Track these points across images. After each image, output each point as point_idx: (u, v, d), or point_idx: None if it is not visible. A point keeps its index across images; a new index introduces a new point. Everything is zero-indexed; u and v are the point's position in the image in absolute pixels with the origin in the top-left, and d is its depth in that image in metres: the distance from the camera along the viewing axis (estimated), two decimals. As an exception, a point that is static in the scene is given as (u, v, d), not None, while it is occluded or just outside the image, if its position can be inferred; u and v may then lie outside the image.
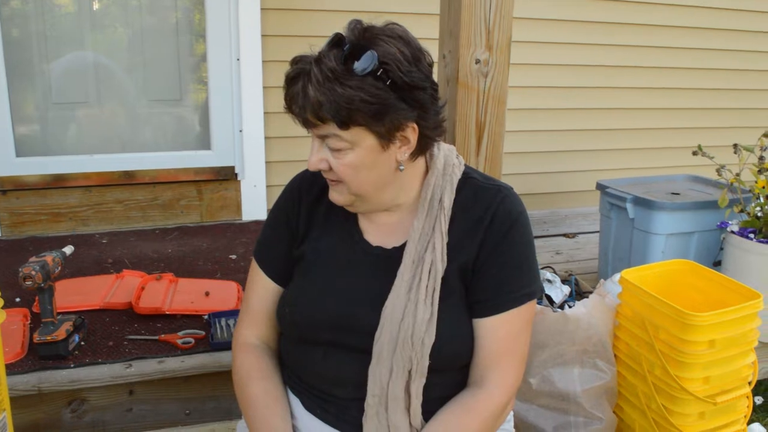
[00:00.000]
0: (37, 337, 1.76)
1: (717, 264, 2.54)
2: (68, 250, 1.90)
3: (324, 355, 1.19)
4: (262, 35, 2.99)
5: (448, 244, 1.17)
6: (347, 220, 1.25)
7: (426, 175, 1.23)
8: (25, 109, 2.92)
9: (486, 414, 1.15)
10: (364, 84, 1.04)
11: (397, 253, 1.20)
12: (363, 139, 1.09)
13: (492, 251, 1.17)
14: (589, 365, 1.81)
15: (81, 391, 1.73)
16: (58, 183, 2.91)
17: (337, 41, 1.08)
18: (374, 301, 1.16)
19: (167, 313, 2.05)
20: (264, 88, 3.04)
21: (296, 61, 1.08)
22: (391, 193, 1.20)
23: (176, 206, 3.09)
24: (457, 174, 1.23)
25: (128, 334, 1.94)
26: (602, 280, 2.04)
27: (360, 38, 1.08)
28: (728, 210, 2.45)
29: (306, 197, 1.28)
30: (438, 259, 1.15)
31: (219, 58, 3.04)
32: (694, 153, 2.53)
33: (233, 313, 2.04)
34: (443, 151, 1.25)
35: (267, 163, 3.13)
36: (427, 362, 1.12)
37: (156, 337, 1.91)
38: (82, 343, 1.87)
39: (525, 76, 3.48)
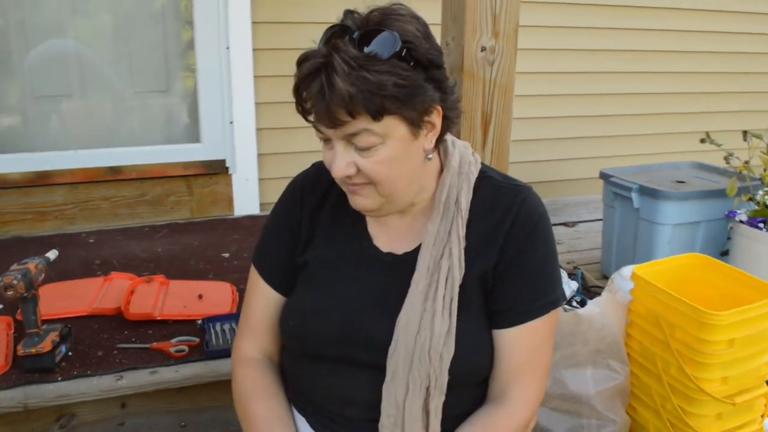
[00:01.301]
0: (21, 350, 1.66)
1: (724, 254, 2.48)
2: (52, 255, 1.79)
3: (331, 372, 1.10)
4: (253, 22, 2.88)
5: (465, 249, 1.09)
6: (354, 224, 1.17)
7: (441, 174, 1.14)
8: (4, 102, 2.79)
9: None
10: (392, 67, 0.96)
11: (410, 258, 1.11)
12: (395, 130, 1.00)
13: (513, 257, 1.09)
14: (602, 366, 1.75)
15: (70, 405, 1.65)
16: (41, 180, 2.79)
17: (340, 30, 0.99)
18: (386, 312, 1.08)
19: (158, 318, 1.95)
20: (255, 77, 2.94)
21: (306, 58, 0.98)
22: (416, 188, 1.11)
23: (165, 202, 2.98)
24: (474, 172, 1.14)
25: (118, 342, 1.85)
26: (612, 276, 1.97)
27: (366, 23, 0.99)
28: (736, 199, 2.39)
29: (309, 198, 1.20)
30: (455, 266, 1.07)
31: (207, 47, 2.92)
32: (702, 141, 2.46)
33: (228, 318, 1.95)
34: (458, 148, 1.17)
35: (259, 155, 3.02)
36: (446, 378, 1.04)
37: (147, 346, 1.82)
38: (70, 353, 1.78)
39: (522, 61, 3.38)
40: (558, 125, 3.70)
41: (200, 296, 2.10)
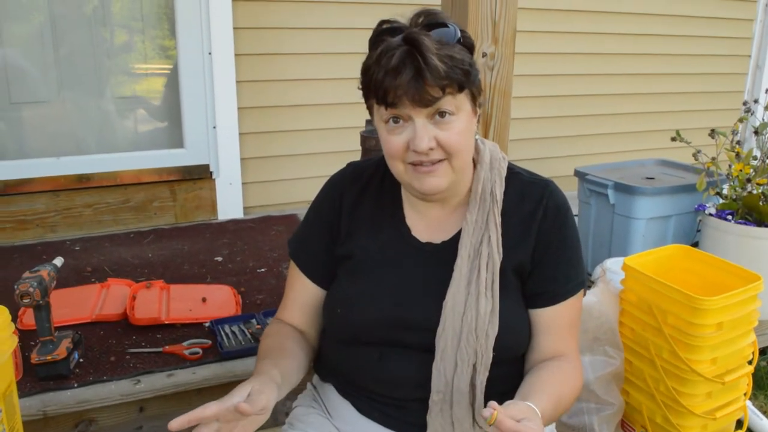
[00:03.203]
0: (36, 358, 1.65)
1: (694, 245, 2.62)
2: (58, 261, 1.79)
3: (380, 356, 1.17)
4: (234, 28, 2.90)
5: (502, 236, 1.18)
6: (393, 216, 1.25)
7: (475, 169, 1.23)
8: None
9: (579, 384, 1.20)
10: (460, 49, 1.09)
11: (447, 247, 1.20)
12: (465, 104, 1.11)
13: (548, 246, 1.19)
14: (599, 352, 1.84)
15: (89, 411, 1.64)
16: (21, 188, 2.74)
17: (391, 29, 1.10)
18: (431, 296, 1.16)
19: (165, 322, 1.96)
20: (237, 82, 2.95)
21: (385, 52, 1.05)
22: (470, 172, 1.21)
23: (149, 208, 2.97)
24: (504, 168, 1.24)
25: (128, 347, 1.85)
26: (602, 268, 2.08)
27: (416, 23, 1.11)
28: (705, 193, 2.53)
29: (348, 195, 1.27)
30: (494, 252, 1.16)
31: (190, 53, 2.93)
32: (673, 139, 2.60)
33: (236, 319, 1.97)
34: (488, 146, 1.26)
35: (242, 159, 3.03)
36: (491, 354, 1.13)
37: (160, 349, 1.83)
38: (81, 360, 1.78)
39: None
40: (534, 126, 3.83)
41: (204, 299, 2.11)
